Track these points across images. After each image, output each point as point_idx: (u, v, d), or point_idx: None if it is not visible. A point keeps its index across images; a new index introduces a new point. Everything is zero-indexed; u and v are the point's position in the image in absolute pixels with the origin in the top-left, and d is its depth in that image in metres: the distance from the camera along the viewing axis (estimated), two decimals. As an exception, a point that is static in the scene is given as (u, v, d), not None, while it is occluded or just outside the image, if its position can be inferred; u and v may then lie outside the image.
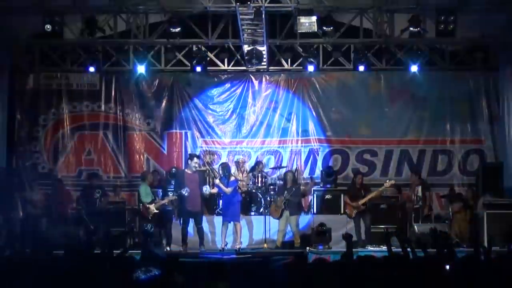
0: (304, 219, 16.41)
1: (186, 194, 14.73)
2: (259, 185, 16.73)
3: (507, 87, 17.04)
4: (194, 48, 17.23)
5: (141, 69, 17.12)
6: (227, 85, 18.44)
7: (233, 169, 17.01)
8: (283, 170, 17.14)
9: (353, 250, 7.99)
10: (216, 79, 18.48)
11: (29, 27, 16.24)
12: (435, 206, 16.94)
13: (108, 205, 16.29)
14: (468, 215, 15.76)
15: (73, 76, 18.08)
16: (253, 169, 17.32)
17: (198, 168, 15.71)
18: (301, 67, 17.66)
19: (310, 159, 18.23)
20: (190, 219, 15.10)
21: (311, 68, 17.25)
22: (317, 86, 18.27)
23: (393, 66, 17.57)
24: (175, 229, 15.53)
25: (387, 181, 16.13)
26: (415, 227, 15.30)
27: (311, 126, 18.30)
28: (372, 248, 14.72)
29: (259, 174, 16.92)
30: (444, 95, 17.95)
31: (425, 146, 18.15)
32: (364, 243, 15.33)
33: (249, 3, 14.39)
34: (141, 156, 18.28)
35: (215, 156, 18.32)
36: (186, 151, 17.93)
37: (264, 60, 17.09)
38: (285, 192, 15.70)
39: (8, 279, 6.65)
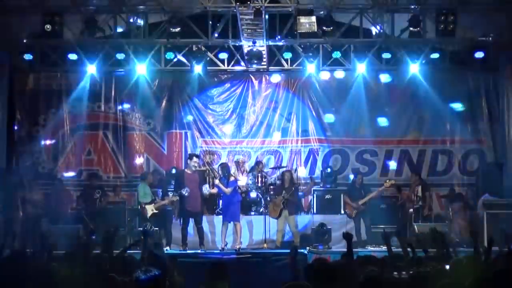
0: (304, 219, 16.42)
1: (186, 194, 14.74)
2: (259, 185, 16.73)
3: (507, 87, 17.04)
4: (194, 48, 17.23)
5: (141, 69, 17.12)
6: (227, 85, 18.45)
7: (233, 169, 17.02)
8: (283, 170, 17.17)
9: (353, 250, 7.97)
10: (216, 79, 18.48)
11: (29, 27, 16.24)
12: (435, 206, 16.94)
13: (108, 205, 16.29)
14: (468, 215, 15.77)
15: (73, 76, 18.07)
16: (253, 169, 17.33)
17: (198, 168, 15.72)
18: (301, 67, 17.65)
19: (310, 159, 18.23)
20: (190, 219, 15.10)
21: (311, 68, 17.25)
22: (317, 86, 18.27)
23: (393, 66, 17.56)
24: (175, 229, 15.54)
25: (387, 181, 16.15)
26: (415, 227, 15.30)
27: (311, 126, 18.30)
28: (372, 248, 14.73)
29: (259, 174, 16.92)
30: (444, 95, 17.94)
31: (425, 146, 18.16)
32: (364, 243, 15.34)
33: (249, 3, 14.38)
34: (141, 156, 18.28)
35: (215, 156, 18.32)
36: (186, 151, 17.93)
37: (264, 60, 17.09)
38: (283, 191, 15.70)
39: (8, 279, 6.65)
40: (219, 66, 17.85)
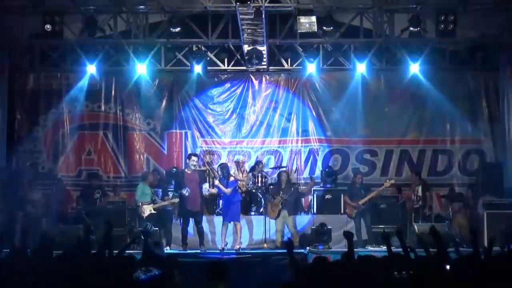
0: (304, 219, 16.42)
1: (186, 194, 14.75)
2: (259, 185, 16.73)
3: (507, 87, 17.04)
4: (194, 48, 17.22)
5: (141, 69, 17.13)
6: (227, 85, 18.45)
7: (233, 169, 17.02)
8: (285, 169, 17.20)
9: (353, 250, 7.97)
10: (216, 79, 18.48)
11: (29, 27, 16.24)
12: (435, 206, 16.94)
13: (108, 205, 16.29)
14: (468, 215, 15.77)
15: (73, 76, 18.07)
16: (253, 169, 17.33)
17: (197, 168, 15.71)
18: (301, 67, 17.66)
19: (310, 159, 18.23)
20: (190, 219, 15.10)
21: (311, 68, 17.25)
22: (317, 86, 18.27)
23: (393, 66, 17.56)
24: (175, 229, 15.54)
25: (387, 180, 16.15)
26: (415, 227, 15.29)
27: (311, 126, 18.30)
28: (372, 248, 14.73)
29: (259, 174, 16.92)
30: (444, 95, 17.94)
31: (425, 146, 18.15)
32: (364, 243, 15.34)
33: (249, 3, 14.39)
34: (141, 156, 18.28)
35: (215, 156, 18.32)
36: (186, 151, 17.92)
37: (264, 60, 17.09)
38: (281, 192, 15.70)
39: (8, 278, 6.65)
40: (219, 66, 17.86)
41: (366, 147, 18.21)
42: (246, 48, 16.57)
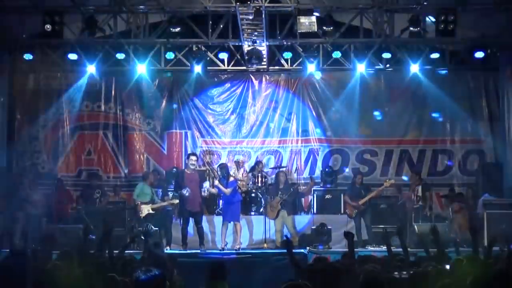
0: (304, 219, 16.42)
1: (186, 194, 14.75)
2: (259, 185, 16.73)
3: (507, 87, 17.04)
4: (194, 48, 17.23)
5: (141, 69, 17.13)
6: (227, 85, 18.45)
7: (233, 169, 17.01)
8: (285, 169, 17.21)
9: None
10: (216, 79, 18.48)
11: (29, 27, 16.23)
12: (435, 206, 16.94)
13: (108, 205, 16.29)
14: (468, 215, 15.76)
15: (73, 76, 18.07)
16: (253, 169, 17.33)
17: (197, 167, 15.70)
18: (301, 67, 17.66)
19: (310, 159, 18.23)
20: (190, 218, 15.10)
21: (311, 68, 17.26)
22: (317, 86, 18.28)
23: (393, 66, 17.56)
24: (175, 229, 15.54)
25: (387, 180, 16.16)
26: (415, 227, 15.29)
27: (311, 126, 18.30)
28: (372, 248, 14.73)
29: (259, 174, 16.92)
30: (444, 95, 17.94)
31: (425, 146, 18.16)
32: (364, 243, 15.34)
33: (249, 3, 14.39)
34: (141, 156, 18.29)
35: (215, 156, 18.32)
36: (186, 151, 17.93)
37: (264, 60, 17.09)
38: (279, 192, 15.70)
39: (8, 279, 6.65)
40: (219, 66, 17.85)
41: (366, 147, 18.22)
42: (246, 48, 16.57)
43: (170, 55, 16.94)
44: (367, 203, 15.74)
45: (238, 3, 14.36)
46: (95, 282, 6.31)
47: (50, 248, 9.03)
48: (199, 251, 14.75)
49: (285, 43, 16.96)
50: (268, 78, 18.46)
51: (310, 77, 18.12)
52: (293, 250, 8.19)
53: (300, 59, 17.44)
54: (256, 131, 18.36)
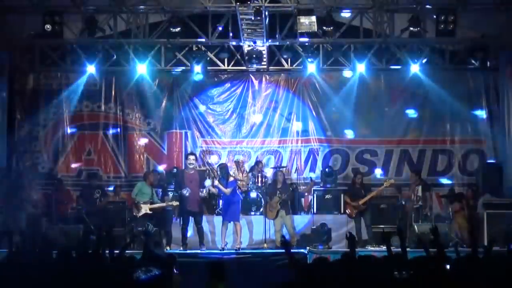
0: (304, 219, 16.41)
1: (186, 194, 14.76)
2: (259, 185, 16.72)
3: (507, 87, 17.04)
4: (194, 48, 17.23)
5: (141, 69, 17.13)
6: (227, 85, 18.45)
7: (233, 169, 17.02)
8: (284, 170, 17.21)
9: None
10: (216, 79, 18.49)
11: (29, 27, 16.24)
12: (435, 206, 16.93)
13: (108, 205, 16.28)
14: (468, 215, 15.76)
15: (73, 76, 18.07)
16: (253, 169, 17.33)
17: (196, 167, 15.69)
18: (301, 67, 17.66)
19: (310, 159, 18.23)
20: (190, 218, 15.10)
21: (311, 68, 17.25)
22: (317, 86, 18.28)
23: (393, 66, 17.56)
24: (175, 229, 15.53)
25: (387, 180, 16.15)
26: (415, 227, 15.29)
27: (311, 126, 18.30)
28: (372, 248, 14.72)
29: (259, 174, 16.92)
30: (444, 95, 17.94)
31: (425, 146, 18.16)
32: (364, 243, 15.34)
33: (249, 3, 14.40)
34: (141, 156, 18.29)
35: (215, 156, 18.32)
36: (186, 151, 17.91)
37: (264, 60, 17.09)
38: (278, 192, 15.68)
39: (8, 279, 6.65)
40: (219, 66, 17.86)
41: (366, 147, 18.21)
42: (246, 48, 16.57)
43: (170, 55, 16.95)
44: (367, 203, 15.74)
45: (238, 3, 14.37)
46: (95, 282, 6.31)
47: (49, 248, 9.02)
48: (199, 251, 14.75)
49: (285, 43, 16.96)
50: (268, 78, 18.46)
51: (310, 77, 18.11)
52: (293, 250, 8.20)
53: (300, 59, 17.44)
54: (256, 131, 18.36)
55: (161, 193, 16.24)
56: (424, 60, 17.03)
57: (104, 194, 16.79)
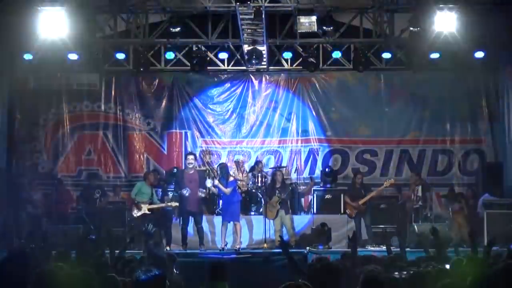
0: (304, 219, 16.41)
1: (186, 194, 14.76)
2: (259, 185, 16.72)
3: (507, 87, 17.05)
4: (194, 48, 17.24)
5: (141, 68, 17.12)
6: (227, 85, 18.45)
7: (233, 169, 17.02)
8: (283, 169, 17.22)
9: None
10: (216, 79, 18.49)
11: (29, 27, 16.19)
12: (435, 206, 16.94)
13: (108, 205, 16.28)
14: (468, 215, 15.77)
15: (73, 76, 18.08)
16: (252, 168, 17.33)
17: (196, 166, 15.69)
18: (301, 67, 17.66)
19: (310, 159, 18.23)
20: (190, 218, 15.10)
21: (311, 68, 17.25)
22: (317, 86, 18.28)
23: (393, 66, 17.57)
24: (175, 229, 15.53)
25: (387, 180, 16.15)
26: (415, 227, 15.30)
27: (311, 126, 18.30)
28: (372, 248, 14.72)
29: (259, 174, 16.92)
30: (444, 95, 17.95)
31: (425, 146, 18.16)
32: (364, 243, 15.34)
33: (249, 3, 14.40)
34: (141, 156, 18.29)
35: (215, 156, 18.32)
36: (186, 151, 17.91)
37: (264, 60, 17.09)
38: (277, 192, 15.67)
39: (8, 279, 6.65)
40: (219, 66, 17.86)
41: (366, 147, 18.21)
42: (246, 48, 16.57)
43: (170, 55, 16.95)
44: (367, 203, 15.73)
45: (238, 3, 14.37)
46: (95, 282, 6.31)
47: (49, 248, 9.03)
48: (199, 251, 14.75)
49: (285, 43, 16.96)
50: (268, 78, 18.47)
51: (310, 77, 18.12)
52: (292, 250, 8.20)
53: (300, 59, 17.45)
54: (256, 131, 18.36)
55: (161, 193, 16.24)
56: (424, 60, 17.02)
57: (104, 194, 16.79)
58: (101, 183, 17.60)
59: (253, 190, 16.69)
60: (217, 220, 15.69)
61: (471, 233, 8.32)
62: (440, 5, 15.43)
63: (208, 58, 17.35)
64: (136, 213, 15.14)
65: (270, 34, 16.42)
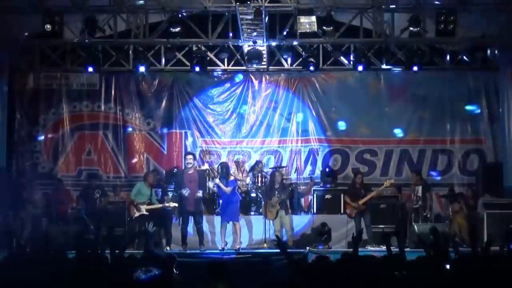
0: (304, 219, 16.41)
1: (186, 194, 14.76)
2: (259, 185, 16.73)
3: (507, 87, 17.03)
4: (194, 48, 17.23)
5: (141, 69, 17.12)
6: (227, 85, 18.45)
7: (233, 169, 17.02)
8: (283, 170, 17.23)
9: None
10: (216, 79, 18.49)
11: (29, 27, 16.22)
12: (435, 206, 16.94)
13: (108, 205, 16.28)
14: (468, 215, 15.76)
15: (73, 76, 18.08)
16: (252, 168, 17.33)
17: (196, 166, 15.68)
18: (301, 67, 17.66)
19: (310, 159, 18.23)
20: (190, 218, 15.10)
21: (311, 68, 17.25)
22: (317, 86, 18.29)
23: (393, 66, 17.56)
24: (175, 229, 15.53)
25: (387, 180, 16.15)
26: (415, 227, 15.30)
27: (311, 126, 18.30)
28: (372, 248, 14.72)
29: (259, 174, 16.92)
30: (444, 95, 17.95)
31: (425, 146, 18.16)
32: (364, 243, 15.33)
33: (249, 3, 14.39)
34: (141, 156, 18.29)
35: (215, 156, 18.32)
36: (186, 151, 17.91)
37: (264, 60, 17.09)
38: (276, 192, 15.66)
39: (8, 279, 6.65)
40: (219, 66, 17.85)
41: (366, 147, 18.21)
42: (246, 48, 16.57)
43: (170, 55, 16.96)
44: (367, 203, 15.73)
45: (238, 3, 14.36)
46: (95, 282, 6.31)
47: (49, 248, 9.00)
48: (199, 251, 14.75)
49: (285, 43, 16.96)
50: (268, 78, 18.46)
51: (310, 77, 18.13)
52: (291, 250, 8.20)
53: (300, 59, 17.44)
54: (256, 131, 18.36)
55: (160, 193, 16.24)
56: (424, 60, 17.02)
57: (104, 194, 16.79)
58: (101, 183, 17.60)
59: (253, 190, 16.71)
60: (217, 220, 15.69)
61: (472, 232, 8.31)
62: (440, 5, 15.45)
63: (208, 58, 17.34)
64: (135, 214, 15.15)
65: (270, 34, 16.41)
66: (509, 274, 5.51)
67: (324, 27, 15.50)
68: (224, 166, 15.54)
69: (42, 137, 18.14)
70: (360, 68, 17.10)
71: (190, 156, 15.44)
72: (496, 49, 16.89)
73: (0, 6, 15.18)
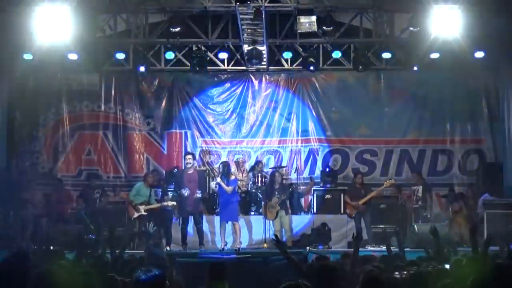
0: (304, 219, 16.41)
1: (186, 194, 14.76)
2: (259, 185, 16.73)
3: (507, 87, 17.04)
4: (194, 48, 17.24)
5: (141, 69, 17.11)
6: (227, 85, 18.46)
7: (233, 169, 17.02)
8: (283, 170, 17.23)
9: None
10: (216, 79, 18.49)
11: (29, 27, 16.19)
12: (435, 206, 16.94)
13: (108, 205, 16.28)
14: (468, 215, 15.76)
15: (73, 76, 18.08)
16: (252, 168, 17.33)
17: (195, 166, 15.69)
18: (301, 67, 17.66)
19: (310, 159, 18.23)
20: (190, 218, 15.11)
21: (311, 68, 17.25)
22: (317, 86, 18.29)
23: (393, 66, 17.56)
24: (175, 229, 15.53)
25: (387, 180, 16.15)
26: (415, 227, 15.30)
27: (311, 126, 18.31)
28: (372, 248, 14.72)
29: (259, 174, 16.92)
30: (444, 95, 17.95)
31: (425, 146, 18.17)
32: (364, 243, 15.34)
33: (249, 3, 14.39)
34: (141, 156, 18.29)
35: (215, 155, 18.33)
36: (186, 151, 17.91)
37: (264, 60, 17.09)
38: (276, 192, 15.65)
39: (8, 279, 6.65)
40: (219, 66, 17.85)
41: (366, 147, 18.21)
42: (246, 48, 16.57)
43: (170, 55, 16.95)
44: (367, 203, 15.73)
45: (238, 3, 14.36)
46: (95, 282, 6.31)
47: (48, 248, 9.02)
48: (198, 251, 14.75)
49: (285, 43, 16.96)
50: (268, 78, 18.47)
51: (310, 77, 18.13)
52: (291, 250, 8.19)
53: (300, 59, 17.45)
54: (256, 131, 18.37)
55: (160, 193, 16.24)
56: (424, 60, 17.01)
57: (104, 194, 16.80)
58: (101, 183, 17.62)
59: (253, 190, 16.71)
60: (217, 220, 15.69)
61: (472, 230, 8.30)
62: (440, 5, 15.44)
63: (208, 58, 17.35)
64: (134, 215, 15.16)
65: (270, 34, 16.42)
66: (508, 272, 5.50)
67: (324, 27, 15.51)
68: (226, 165, 15.55)
69: (42, 137, 18.13)
70: (360, 68, 17.11)
71: (189, 156, 15.45)
72: (496, 49, 16.88)
73: (0, 6, 15.17)
